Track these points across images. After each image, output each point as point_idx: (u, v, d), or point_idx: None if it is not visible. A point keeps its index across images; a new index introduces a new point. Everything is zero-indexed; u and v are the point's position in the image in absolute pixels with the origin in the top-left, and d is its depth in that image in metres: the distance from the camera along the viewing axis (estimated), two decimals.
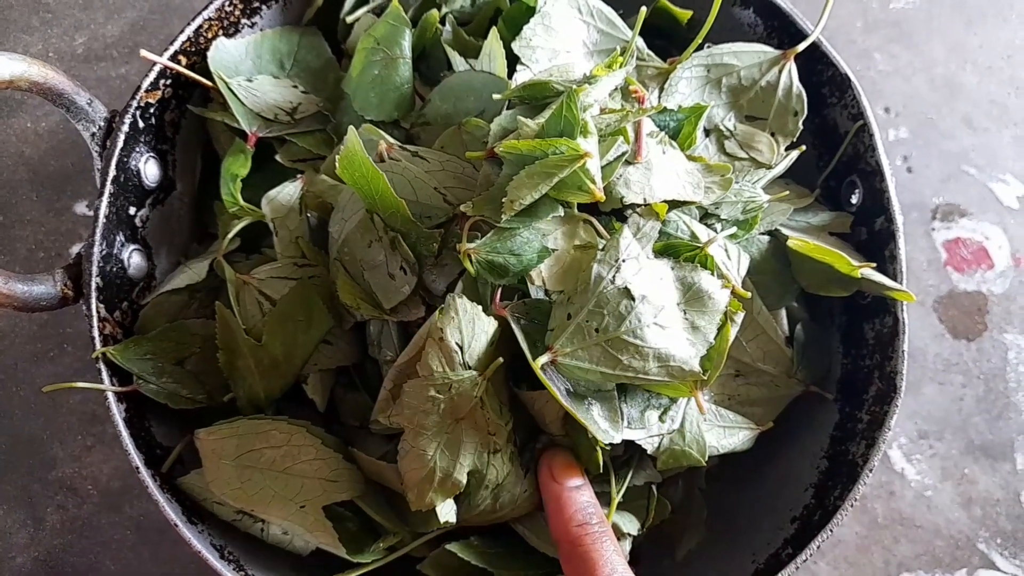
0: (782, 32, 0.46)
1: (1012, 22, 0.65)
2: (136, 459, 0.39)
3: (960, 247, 0.59)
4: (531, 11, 0.43)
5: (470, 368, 0.36)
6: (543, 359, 0.35)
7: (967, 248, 0.59)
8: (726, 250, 0.38)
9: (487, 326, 0.36)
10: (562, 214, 0.37)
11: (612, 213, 0.38)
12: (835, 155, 0.46)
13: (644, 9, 0.41)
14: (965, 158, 0.61)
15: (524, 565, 0.41)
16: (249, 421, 0.40)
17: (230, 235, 0.43)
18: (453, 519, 0.38)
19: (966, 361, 0.57)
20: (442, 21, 0.45)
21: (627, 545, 0.41)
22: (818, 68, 0.45)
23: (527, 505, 0.40)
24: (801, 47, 0.43)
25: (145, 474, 0.39)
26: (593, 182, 0.35)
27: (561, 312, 0.36)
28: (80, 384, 0.39)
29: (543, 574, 0.40)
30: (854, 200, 0.45)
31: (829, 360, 0.46)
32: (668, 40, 0.47)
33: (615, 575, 0.34)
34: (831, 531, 0.40)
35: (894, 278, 0.42)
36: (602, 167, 0.36)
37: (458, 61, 0.44)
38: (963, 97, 0.63)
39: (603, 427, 0.36)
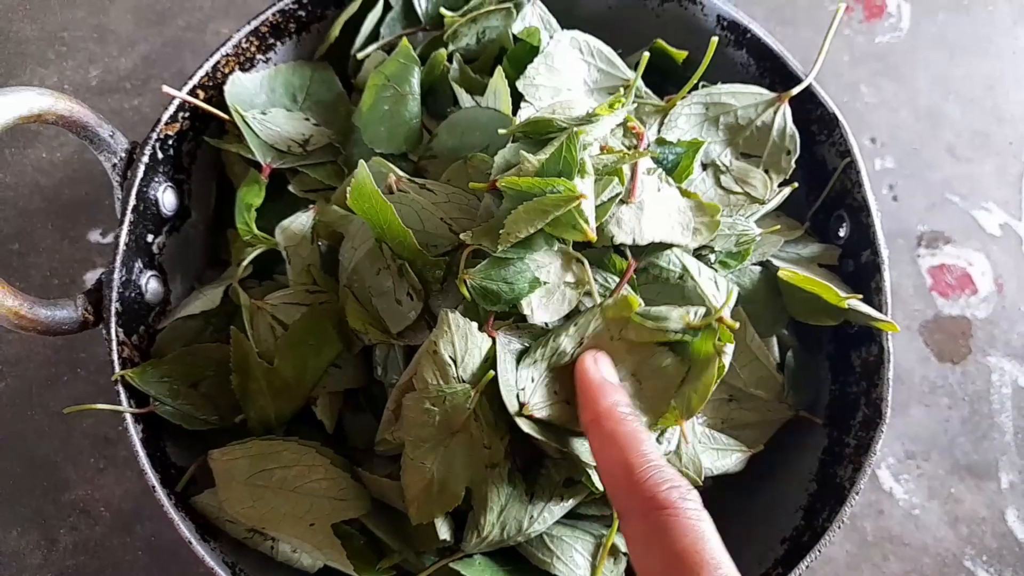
0: (774, 73, 0.48)
1: (992, 55, 0.67)
2: (152, 478, 0.40)
3: (945, 273, 0.61)
4: (535, 51, 0.45)
5: (463, 382, 0.37)
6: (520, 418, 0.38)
7: (951, 274, 0.61)
8: (715, 283, 0.40)
9: (481, 342, 0.38)
10: (556, 249, 0.39)
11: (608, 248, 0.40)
12: (824, 190, 0.48)
13: (647, 54, 0.43)
14: (949, 187, 0.64)
15: None
16: (261, 442, 0.42)
17: (244, 263, 0.44)
18: (449, 537, 0.40)
19: (951, 384, 0.59)
20: (449, 59, 0.47)
21: (622, 565, 0.42)
22: (807, 107, 0.47)
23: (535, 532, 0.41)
24: (795, 91, 0.45)
25: (161, 493, 0.40)
26: (587, 222, 0.36)
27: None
28: (100, 406, 0.40)
29: None
30: (842, 233, 0.47)
31: (818, 386, 0.47)
32: (663, 77, 0.49)
33: (652, 454, 0.33)
34: (819, 551, 0.42)
35: (879, 309, 0.44)
36: (596, 207, 0.38)
37: (464, 98, 0.46)
38: (947, 127, 0.65)
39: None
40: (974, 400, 0.58)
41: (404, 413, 0.39)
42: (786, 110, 0.45)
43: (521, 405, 0.37)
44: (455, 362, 0.37)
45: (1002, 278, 0.61)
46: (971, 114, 0.65)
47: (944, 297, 0.61)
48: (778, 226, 0.46)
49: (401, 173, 0.42)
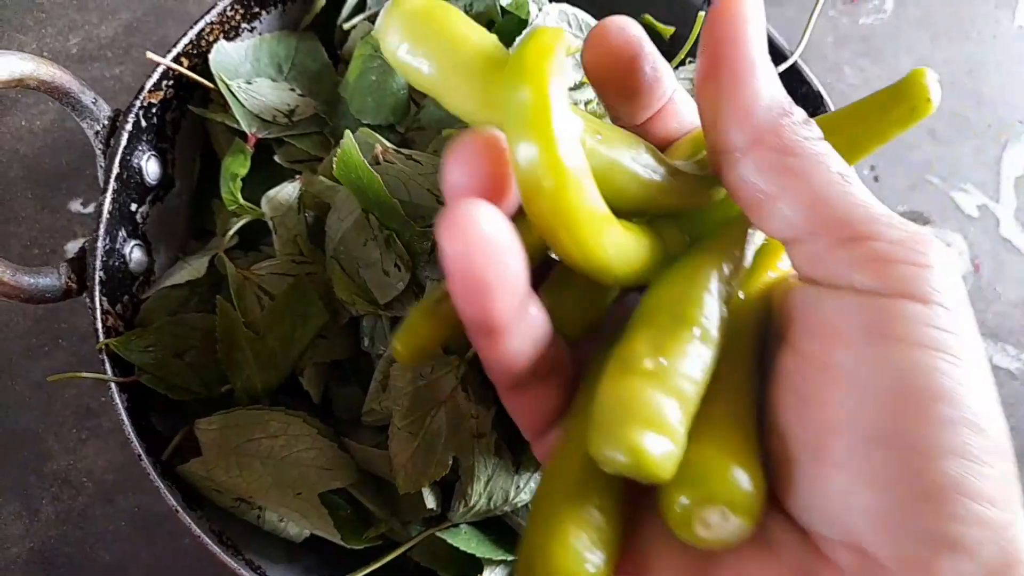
0: None
1: (974, 39, 0.68)
2: (139, 447, 0.40)
3: None
4: (523, 23, 0.45)
5: (451, 352, 0.38)
6: None
7: None
8: None
9: None
10: None
11: None
12: None
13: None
14: (928, 168, 0.64)
15: (511, 550, 0.43)
16: (248, 411, 0.42)
17: (230, 233, 0.44)
18: (436, 506, 0.40)
19: None
20: None
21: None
22: (793, 85, 0.47)
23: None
24: (782, 68, 0.46)
25: (147, 462, 0.40)
26: None
27: None
28: (84, 374, 0.40)
29: None
30: None
31: None
32: None
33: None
34: None
35: None
36: None
37: None
38: None
39: None
40: None
41: (391, 383, 0.39)
42: None
43: None
44: None
45: (979, 258, 0.62)
46: (952, 97, 0.66)
47: None
48: None
49: (388, 144, 0.42)
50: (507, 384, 0.26)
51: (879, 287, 0.21)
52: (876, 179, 0.64)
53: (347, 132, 0.39)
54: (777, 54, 0.47)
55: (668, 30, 0.49)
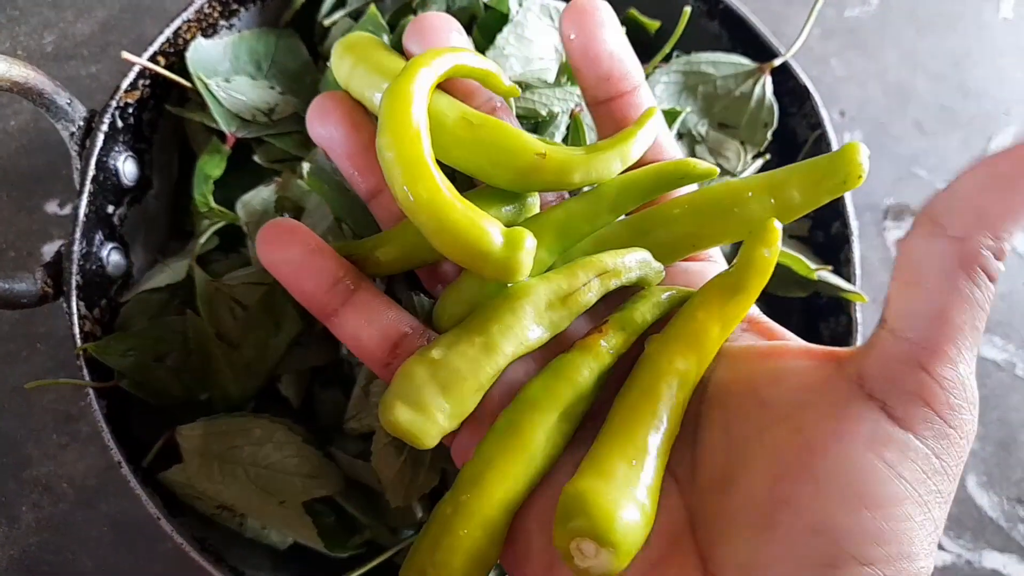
0: (746, 44, 0.48)
1: (960, 31, 0.68)
2: (118, 453, 0.39)
3: None
4: (505, 19, 0.44)
5: None
6: None
7: None
8: None
9: None
10: None
11: None
12: (794, 162, 0.48)
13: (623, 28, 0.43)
14: (915, 160, 0.64)
15: None
16: (231, 418, 0.41)
17: (202, 239, 0.43)
18: (423, 514, 0.40)
19: None
20: None
21: None
22: (779, 79, 0.47)
23: None
24: (777, 62, 0.45)
25: (127, 468, 0.39)
26: None
27: None
28: (62, 380, 0.39)
29: None
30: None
31: None
32: (636, 49, 0.48)
33: None
34: None
35: (848, 280, 0.44)
36: None
37: None
38: (914, 102, 0.66)
39: None
40: None
41: (372, 400, 0.39)
42: (767, 82, 0.45)
43: None
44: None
45: None
46: (938, 89, 0.66)
47: None
48: None
49: None
50: (375, 367, 0.31)
51: (925, 436, 0.23)
52: None
53: (318, 151, 0.38)
54: (763, 48, 0.47)
55: (654, 24, 0.49)
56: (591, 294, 0.29)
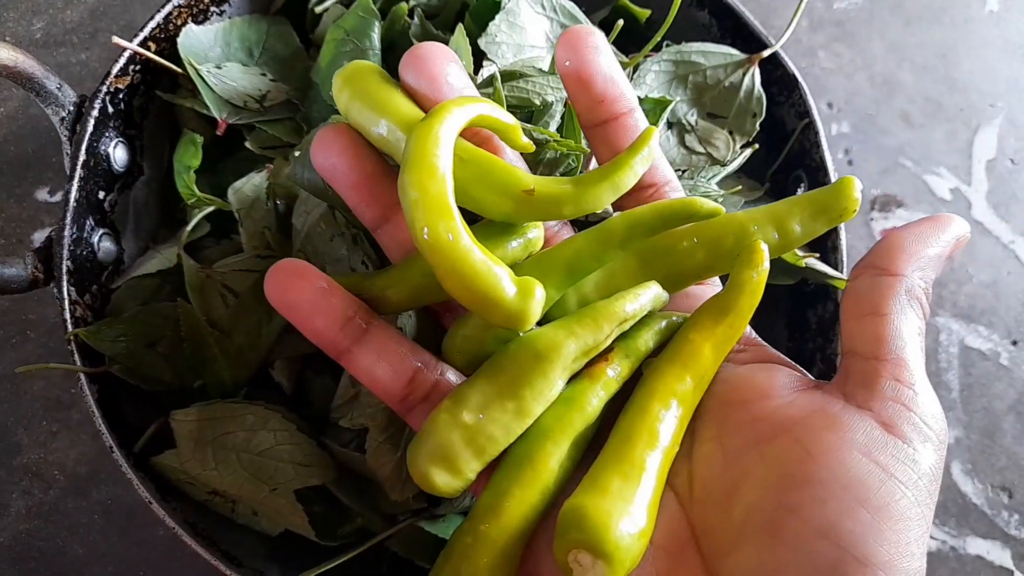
0: (735, 34, 0.48)
1: (946, 23, 0.68)
2: (110, 439, 0.39)
3: None
4: (497, 6, 0.44)
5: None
6: None
7: None
8: None
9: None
10: None
11: None
12: (783, 151, 0.48)
13: (620, 21, 0.44)
14: (902, 152, 0.65)
15: None
16: (225, 404, 0.41)
17: (190, 226, 0.43)
18: (422, 502, 0.40)
19: None
20: (410, 14, 0.46)
21: None
22: (768, 68, 0.47)
23: None
24: (766, 53, 0.46)
25: (119, 454, 0.39)
26: None
27: None
28: (54, 365, 0.39)
29: None
30: (800, 193, 0.48)
31: (774, 343, 0.48)
32: (626, 37, 0.48)
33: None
34: None
35: (835, 267, 0.45)
36: None
37: None
38: (901, 94, 0.66)
39: None
40: None
41: (362, 398, 0.39)
42: (755, 72, 0.45)
43: None
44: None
45: None
46: (924, 81, 0.67)
47: None
48: (739, 187, 0.46)
49: None
50: (391, 403, 0.32)
51: (891, 421, 0.26)
52: (850, 163, 0.64)
53: (312, 135, 0.38)
54: (757, 43, 0.47)
55: (644, 13, 0.49)
56: (610, 340, 0.31)
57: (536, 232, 0.33)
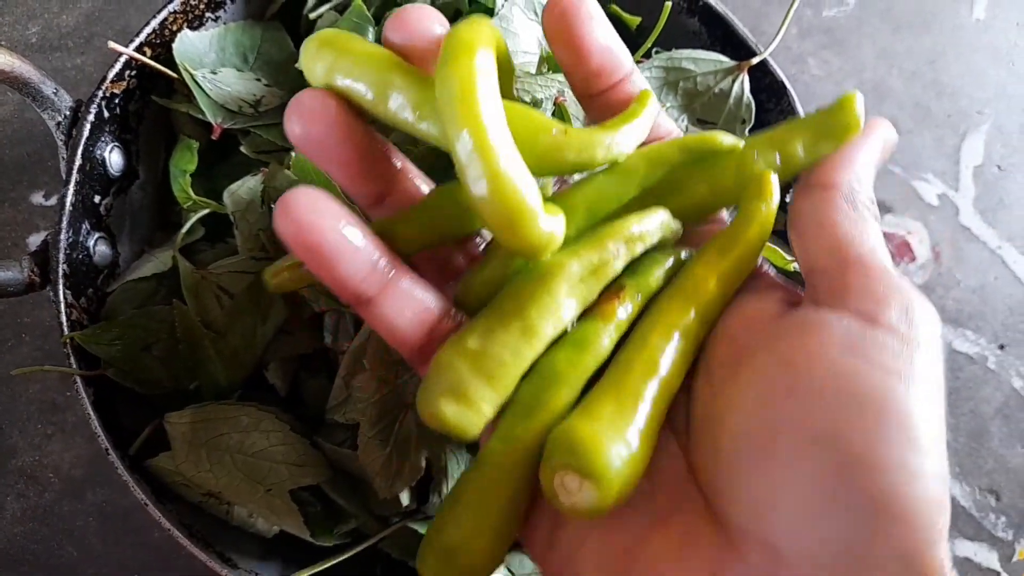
0: (724, 41, 0.49)
1: (935, 31, 0.69)
2: (106, 442, 0.40)
3: (885, 241, 0.64)
4: (490, 13, 0.45)
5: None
6: None
7: (891, 242, 0.64)
8: None
9: None
10: None
11: None
12: None
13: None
14: (891, 158, 0.66)
15: None
16: (219, 406, 0.41)
17: (184, 228, 0.44)
18: (412, 501, 0.41)
19: None
20: None
21: None
22: (757, 75, 0.48)
23: None
24: (755, 60, 0.46)
25: (115, 456, 0.40)
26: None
27: None
28: (50, 368, 0.40)
29: None
30: (788, 199, 0.48)
31: None
32: None
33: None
34: None
35: None
36: None
37: None
38: (890, 100, 0.67)
39: None
40: None
41: (355, 394, 0.39)
42: (744, 79, 0.46)
43: None
44: None
45: (939, 246, 0.64)
46: (913, 88, 0.67)
47: None
48: None
49: None
50: (408, 354, 0.28)
51: (870, 313, 0.24)
52: None
53: None
54: (746, 50, 0.48)
55: (635, 20, 0.49)
56: (619, 263, 0.29)
57: (544, 179, 0.31)
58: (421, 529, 0.41)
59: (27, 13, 0.60)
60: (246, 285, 0.42)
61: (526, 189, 0.24)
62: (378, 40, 0.45)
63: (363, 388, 0.39)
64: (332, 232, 0.25)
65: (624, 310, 0.28)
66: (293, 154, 0.39)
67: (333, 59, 0.27)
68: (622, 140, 0.29)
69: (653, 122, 0.30)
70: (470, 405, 0.26)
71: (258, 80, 0.48)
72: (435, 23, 0.28)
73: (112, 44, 0.42)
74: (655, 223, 0.29)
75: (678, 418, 0.27)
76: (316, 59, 0.27)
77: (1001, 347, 0.61)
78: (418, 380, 0.39)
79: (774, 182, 0.28)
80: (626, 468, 0.24)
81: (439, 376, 0.26)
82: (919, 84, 0.68)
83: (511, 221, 0.24)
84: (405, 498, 0.41)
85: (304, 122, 0.27)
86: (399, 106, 0.26)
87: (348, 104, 0.27)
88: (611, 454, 0.23)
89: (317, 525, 0.42)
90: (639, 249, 0.29)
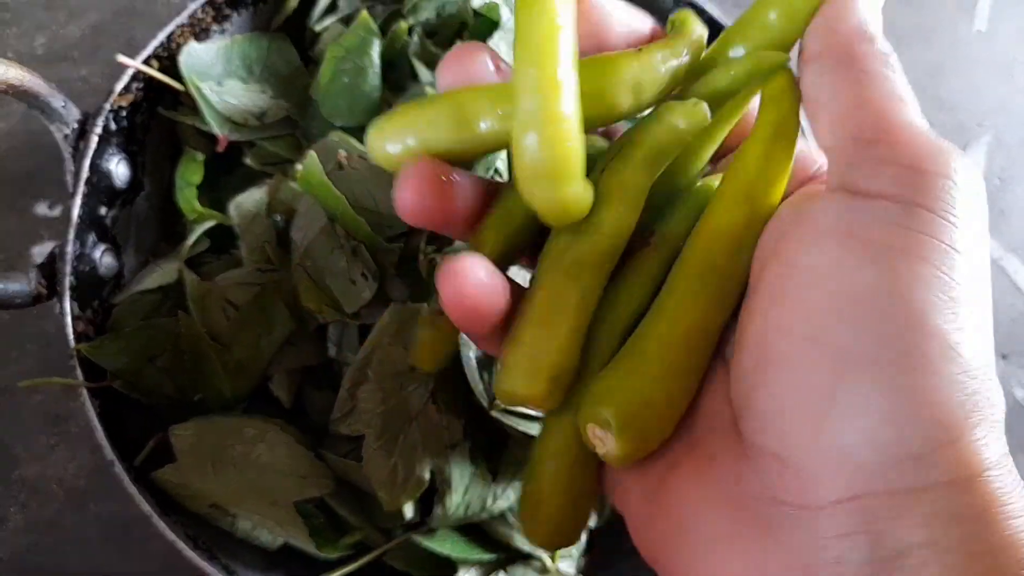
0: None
1: (935, 43, 0.69)
2: (111, 453, 0.40)
3: None
4: (495, 26, 0.45)
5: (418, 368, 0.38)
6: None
7: None
8: None
9: None
10: None
11: None
12: None
13: None
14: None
15: (485, 552, 0.43)
16: (224, 418, 0.41)
17: (190, 240, 0.44)
18: (415, 514, 0.41)
19: None
20: (409, 32, 0.47)
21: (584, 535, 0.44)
22: None
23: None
24: None
25: (120, 467, 0.40)
26: None
27: None
28: (57, 380, 0.40)
29: (505, 557, 0.43)
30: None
31: None
32: None
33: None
34: None
35: None
36: None
37: (424, 73, 0.46)
38: None
39: None
40: None
41: (360, 405, 0.39)
42: None
43: (492, 399, 0.38)
44: (407, 350, 0.38)
45: None
46: None
47: None
48: None
49: (360, 146, 0.42)
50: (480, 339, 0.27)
51: (897, 192, 0.20)
52: None
53: (310, 154, 0.38)
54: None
55: None
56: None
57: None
58: (425, 542, 0.41)
59: (35, 25, 0.60)
60: (251, 297, 0.42)
61: (577, 144, 0.23)
62: (391, 61, 0.46)
63: (368, 399, 0.39)
64: (479, 270, 0.24)
65: (656, 256, 0.27)
66: (299, 166, 0.39)
67: (413, 116, 0.25)
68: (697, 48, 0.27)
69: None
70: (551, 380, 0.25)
71: (263, 92, 0.48)
72: (488, 57, 0.26)
73: (121, 57, 0.43)
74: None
75: (727, 346, 0.26)
76: (393, 129, 0.25)
77: (1003, 357, 0.62)
78: (423, 392, 0.39)
79: (785, 73, 0.25)
80: (648, 418, 0.24)
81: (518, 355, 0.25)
82: (920, 97, 0.66)
83: (552, 173, 0.23)
84: (409, 510, 0.40)
85: (415, 196, 0.24)
86: (486, 118, 0.24)
87: (437, 168, 0.25)
88: (630, 407, 0.24)
89: (321, 537, 0.42)
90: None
